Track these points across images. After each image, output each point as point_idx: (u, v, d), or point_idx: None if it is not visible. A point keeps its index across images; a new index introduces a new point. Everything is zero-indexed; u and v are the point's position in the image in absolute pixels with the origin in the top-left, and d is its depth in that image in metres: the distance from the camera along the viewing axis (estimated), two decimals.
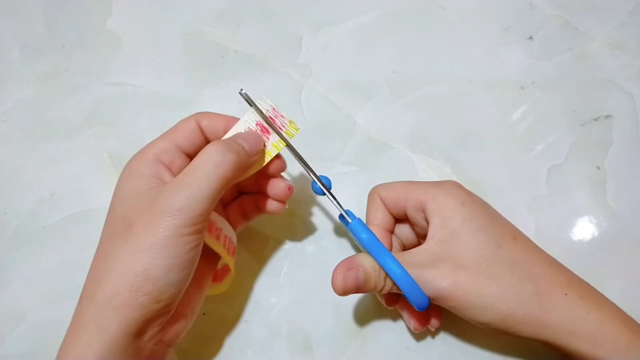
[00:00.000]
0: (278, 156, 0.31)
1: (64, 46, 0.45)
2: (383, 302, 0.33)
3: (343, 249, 0.38)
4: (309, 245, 0.38)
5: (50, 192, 0.40)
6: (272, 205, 0.33)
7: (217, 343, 0.35)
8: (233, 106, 0.42)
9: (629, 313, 0.29)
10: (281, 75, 0.43)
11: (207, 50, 0.44)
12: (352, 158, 0.40)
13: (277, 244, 0.38)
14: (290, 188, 0.32)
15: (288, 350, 0.35)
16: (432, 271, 0.28)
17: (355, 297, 0.36)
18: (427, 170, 0.40)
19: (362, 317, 0.36)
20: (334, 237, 0.38)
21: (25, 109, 0.43)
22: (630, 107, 0.41)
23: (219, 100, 0.43)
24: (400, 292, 0.29)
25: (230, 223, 0.33)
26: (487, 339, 0.34)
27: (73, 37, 0.45)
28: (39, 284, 0.37)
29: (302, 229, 0.38)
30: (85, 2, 0.47)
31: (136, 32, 0.45)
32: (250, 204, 0.34)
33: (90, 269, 0.27)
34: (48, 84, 0.44)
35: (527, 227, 0.31)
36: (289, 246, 0.38)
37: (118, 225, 0.26)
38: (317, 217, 0.39)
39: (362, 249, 0.36)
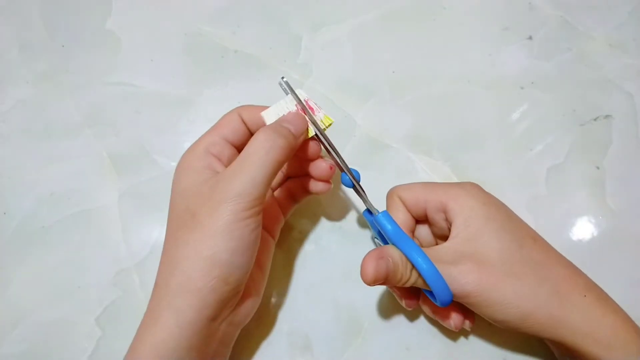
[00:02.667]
0: (313, 138, 0.32)
1: (63, 46, 0.45)
2: (403, 304, 0.33)
3: (343, 249, 0.38)
4: (308, 245, 0.38)
5: (50, 192, 0.40)
6: (318, 186, 0.33)
7: None
8: (233, 106, 0.42)
9: (629, 313, 0.29)
10: (281, 75, 0.43)
11: (207, 50, 0.44)
12: (352, 158, 0.40)
13: (277, 244, 0.38)
14: (331, 167, 0.33)
15: (288, 350, 0.35)
16: (457, 267, 0.28)
17: (355, 297, 0.36)
18: (426, 170, 0.40)
19: (362, 316, 0.36)
20: (333, 236, 0.38)
21: (25, 109, 0.43)
22: (629, 107, 0.41)
23: (219, 100, 0.43)
24: (422, 287, 0.29)
25: (280, 207, 0.35)
26: (486, 338, 0.34)
27: (72, 36, 0.45)
28: (38, 284, 0.37)
29: (301, 229, 0.38)
30: (85, 2, 0.47)
31: (136, 32, 0.45)
32: (297, 186, 0.35)
33: (161, 259, 0.29)
34: (47, 83, 0.44)
35: None
36: (288, 246, 0.38)
37: (182, 216, 0.28)
38: (317, 217, 0.39)
39: (375, 245, 0.36)
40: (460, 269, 0.28)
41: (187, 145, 0.41)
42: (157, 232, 0.38)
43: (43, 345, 0.35)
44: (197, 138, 0.41)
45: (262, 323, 0.35)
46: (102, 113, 0.42)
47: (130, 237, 0.38)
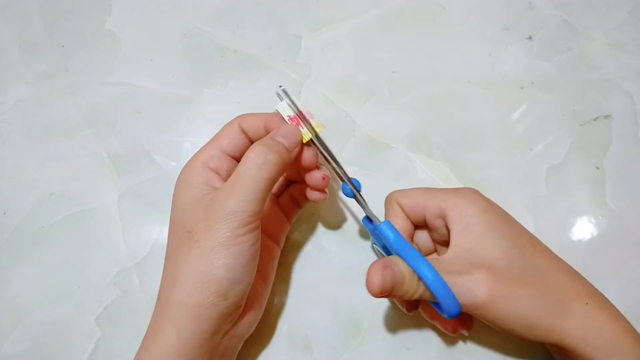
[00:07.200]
0: (308, 144, 0.31)
1: (63, 46, 0.45)
2: (403, 309, 0.32)
3: (342, 249, 0.38)
4: (308, 245, 0.38)
5: (49, 192, 0.40)
6: (314, 194, 0.33)
7: None
8: (233, 106, 0.42)
9: (627, 313, 0.29)
10: (281, 75, 0.43)
11: (207, 50, 0.44)
12: (352, 158, 0.40)
13: None
14: (324, 178, 0.33)
15: (288, 350, 0.35)
16: (468, 276, 0.27)
17: (354, 297, 0.36)
18: (426, 170, 0.40)
19: (362, 317, 0.36)
20: (333, 237, 0.38)
21: (25, 109, 0.43)
22: (629, 107, 0.41)
23: (219, 100, 0.43)
24: (429, 300, 0.28)
25: (283, 212, 0.36)
26: (486, 339, 0.34)
27: (72, 36, 0.45)
28: (38, 284, 0.37)
29: (301, 230, 0.38)
30: (85, 2, 0.47)
31: (135, 32, 0.45)
32: (299, 192, 0.35)
33: (163, 275, 0.30)
34: (47, 83, 0.44)
35: (527, 227, 0.31)
36: (288, 247, 0.38)
37: (180, 233, 0.29)
38: (316, 218, 0.39)
39: (375, 252, 0.35)
40: (471, 280, 0.27)
41: (187, 145, 0.41)
42: (157, 232, 0.38)
43: (43, 345, 0.35)
44: (197, 138, 0.41)
45: (261, 323, 0.35)
46: (102, 113, 0.42)
47: (130, 237, 0.38)
